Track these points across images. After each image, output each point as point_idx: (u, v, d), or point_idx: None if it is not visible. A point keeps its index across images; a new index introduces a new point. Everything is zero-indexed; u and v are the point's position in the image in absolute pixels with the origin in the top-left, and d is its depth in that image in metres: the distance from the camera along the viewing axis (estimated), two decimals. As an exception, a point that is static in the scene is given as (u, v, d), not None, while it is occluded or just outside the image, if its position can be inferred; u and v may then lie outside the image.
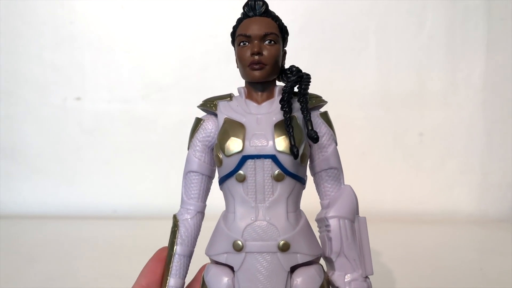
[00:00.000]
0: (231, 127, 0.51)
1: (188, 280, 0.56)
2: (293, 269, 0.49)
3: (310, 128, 0.49)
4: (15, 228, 1.31)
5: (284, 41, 0.55)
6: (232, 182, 0.51)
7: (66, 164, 1.47)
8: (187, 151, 0.55)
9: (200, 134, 0.55)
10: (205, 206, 0.55)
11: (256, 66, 0.52)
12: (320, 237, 0.54)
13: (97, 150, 1.47)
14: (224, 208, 0.54)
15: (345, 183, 0.55)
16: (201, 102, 0.56)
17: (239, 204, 0.51)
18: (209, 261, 0.53)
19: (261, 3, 0.54)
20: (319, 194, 0.56)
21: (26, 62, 1.45)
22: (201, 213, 0.55)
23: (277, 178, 0.50)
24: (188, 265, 0.54)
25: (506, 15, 1.45)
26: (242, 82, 0.55)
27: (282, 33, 0.55)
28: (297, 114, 0.52)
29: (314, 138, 0.48)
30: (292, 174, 0.50)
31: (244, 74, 0.54)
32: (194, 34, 1.45)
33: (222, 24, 1.39)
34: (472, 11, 1.45)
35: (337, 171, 0.54)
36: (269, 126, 0.51)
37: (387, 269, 1.00)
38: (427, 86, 1.47)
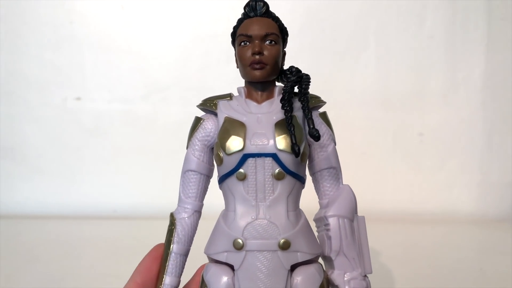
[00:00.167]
0: (232, 126, 0.52)
1: (185, 280, 0.55)
2: (293, 267, 0.49)
3: (311, 126, 0.49)
4: (15, 228, 1.31)
5: (284, 42, 0.56)
6: (232, 180, 0.51)
7: (66, 164, 1.47)
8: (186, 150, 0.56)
9: (200, 133, 0.55)
10: (202, 205, 0.56)
11: (257, 66, 0.52)
12: (318, 236, 0.54)
13: (97, 150, 1.47)
14: (222, 207, 0.54)
15: (344, 183, 0.55)
16: (200, 102, 0.56)
17: (239, 202, 0.51)
18: (207, 260, 0.53)
19: (261, 3, 0.54)
20: (317, 194, 0.56)
21: (26, 62, 1.45)
22: (198, 212, 0.55)
23: (278, 177, 0.50)
24: (184, 264, 0.54)
25: (506, 15, 1.45)
26: (242, 82, 0.56)
27: (282, 33, 0.55)
28: (297, 113, 0.52)
29: (315, 136, 0.48)
30: (292, 172, 0.51)
31: (244, 74, 0.54)
32: (194, 34, 1.45)
33: (222, 24, 1.39)
34: (472, 11, 1.45)
35: (336, 170, 0.55)
36: (269, 125, 0.51)
37: (386, 269, 1.00)
38: (427, 86, 1.47)
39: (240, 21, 0.55)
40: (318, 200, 0.56)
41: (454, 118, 1.48)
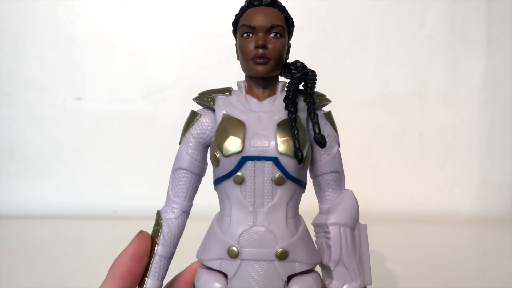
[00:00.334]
0: (230, 125, 0.48)
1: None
2: (289, 277, 0.47)
3: (317, 131, 0.46)
4: (15, 228, 1.30)
5: (290, 33, 0.52)
6: (229, 183, 0.48)
7: (66, 164, 1.47)
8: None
9: (195, 130, 0.51)
10: (191, 205, 0.52)
11: (260, 61, 0.48)
12: (317, 242, 0.52)
13: (97, 150, 1.47)
14: (218, 209, 0.51)
15: (346, 186, 0.53)
16: (197, 95, 0.53)
17: (235, 207, 0.48)
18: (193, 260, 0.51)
19: None
20: (318, 198, 0.53)
21: (26, 62, 1.45)
22: (186, 213, 0.52)
23: (278, 182, 0.47)
24: (168, 267, 0.51)
25: (506, 15, 1.45)
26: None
27: (288, 25, 0.51)
28: (301, 114, 0.49)
29: (321, 143, 0.45)
30: (293, 178, 0.47)
31: (246, 68, 0.50)
32: (194, 34, 1.45)
33: (222, 24, 1.39)
34: (472, 11, 1.45)
35: (339, 175, 0.52)
36: (271, 126, 0.47)
37: (387, 269, 1.00)
38: (427, 86, 1.47)
39: (243, 10, 0.51)
40: (318, 204, 0.54)
41: (454, 118, 1.48)
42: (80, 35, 1.45)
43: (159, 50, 1.46)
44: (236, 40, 0.52)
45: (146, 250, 0.50)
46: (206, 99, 0.52)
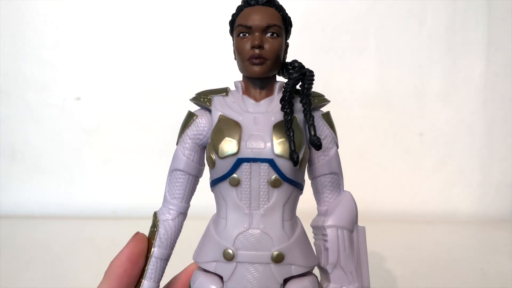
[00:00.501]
0: (226, 126, 0.47)
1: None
2: (286, 279, 0.46)
3: (313, 133, 0.45)
4: (15, 228, 1.31)
5: (287, 33, 0.51)
6: (225, 185, 0.47)
7: (66, 164, 1.47)
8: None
9: (191, 131, 0.51)
10: (188, 206, 0.52)
11: (256, 61, 0.48)
12: (315, 244, 0.52)
13: (97, 150, 1.47)
14: (214, 210, 0.51)
15: (344, 185, 0.52)
16: (194, 95, 0.53)
17: (231, 209, 0.47)
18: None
19: None
20: (316, 200, 0.53)
21: (26, 62, 1.45)
22: (183, 214, 0.51)
23: (274, 184, 0.46)
24: (164, 268, 0.51)
25: (506, 15, 1.45)
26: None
27: (285, 24, 0.51)
28: (298, 114, 0.48)
29: (317, 145, 0.45)
30: (290, 180, 0.47)
31: (242, 68, 0.50)
32: (194, 34, 1.45)
33: (222, 24, 1.39)
34: (472, 11, 1.45)
35: (337, 176, 0.51)
36: (267, 127, 0.47)
37: (387, 269, 1.00)
38: (427, 86, 1.47)
39: (239, 9, 0.51)
40: (316, 205, 0.53)
41: (454, 118, 1.48)
42: (80, 35, 1.45)
43: (159, 50, 1.46)
44: (233, 40, 0.51)
45: (143, 251, 0.50)
46: (203, 99, 0.52)
